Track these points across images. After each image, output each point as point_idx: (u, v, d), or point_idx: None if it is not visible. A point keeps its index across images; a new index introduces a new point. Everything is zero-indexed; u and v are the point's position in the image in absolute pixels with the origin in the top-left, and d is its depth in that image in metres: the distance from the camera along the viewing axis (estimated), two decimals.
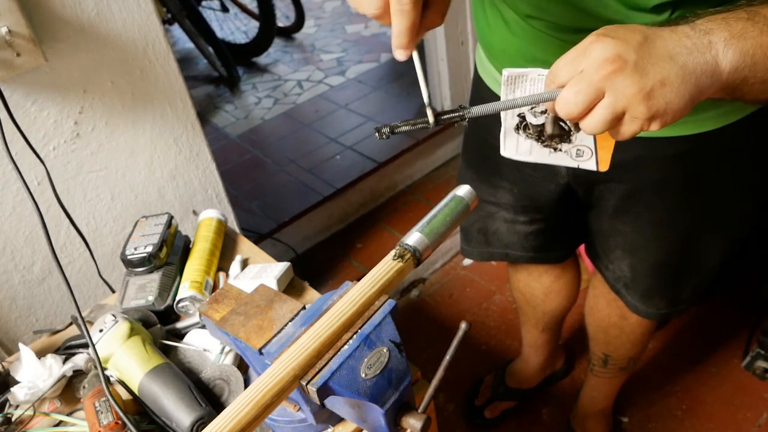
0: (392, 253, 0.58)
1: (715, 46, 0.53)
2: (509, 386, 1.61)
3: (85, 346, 0.88)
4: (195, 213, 1.40)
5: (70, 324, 0.98)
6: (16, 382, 0.84)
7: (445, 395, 1.66)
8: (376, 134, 0.57)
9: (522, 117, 0.58)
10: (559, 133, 0.59)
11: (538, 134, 0.62)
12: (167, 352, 0.88)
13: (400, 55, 0.58)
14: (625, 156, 0.88)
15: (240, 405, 0.47)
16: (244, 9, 3.54)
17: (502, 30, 0.84)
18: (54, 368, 0.84)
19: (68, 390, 0.86)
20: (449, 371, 0.55)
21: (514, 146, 0.58)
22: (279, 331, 0.66)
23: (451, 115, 0.57)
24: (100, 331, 0.82)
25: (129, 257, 0.97)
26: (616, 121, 0.53)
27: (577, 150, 0.58)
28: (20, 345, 0.87)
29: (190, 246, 1.06)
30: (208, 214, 1.10)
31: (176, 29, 3.48)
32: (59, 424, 0.81)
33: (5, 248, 1.16)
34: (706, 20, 0.54)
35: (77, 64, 1.11)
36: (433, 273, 2.03)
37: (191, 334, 0.91)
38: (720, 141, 0.83)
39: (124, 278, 0.99)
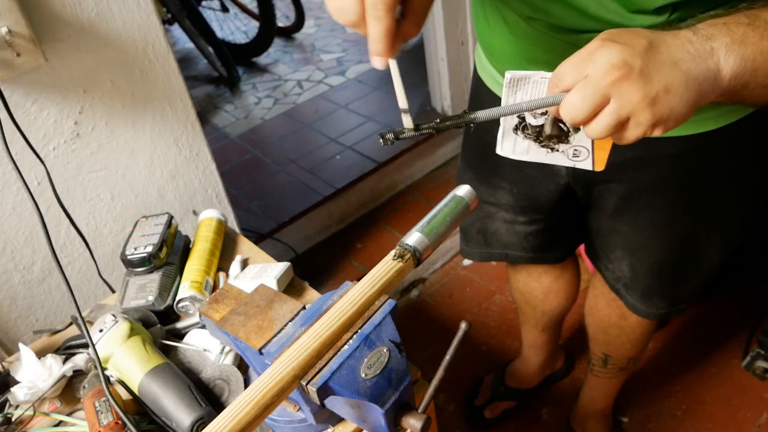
0: (392, 253, 0.58)
1: (717, 52, 0.53)
2: (509, 386, 1.61)
3: (85, 346, 0.88)
4: (195, 213, 1.40)
5: (70, 324, 0.98)
6: (16, 382, 0.84)
7: (445, 395, 1.66)
8: (381, 140, 0.56)
9: (522, 118, 0.58)
10: (558, 134, 0.59)
11: (537, 135, 0.62)
12: (167, 352, 0.88)
13: (377, 63, 0.57)
14: (624, 156, 0.88)
15: (240, 405, 0.47)
16: (244, 9, 3.54)
17: (502, 30, 0.84)
18: (54, 368, 0.84)
19: (68, 390, 0.86)
20: (449, 371, 0.55)
21: (512, 146, 0.58)
22: (279, 331, 0.66)
23: (456, 121, 0.57)
24: (100, 331, 0.82)
25: (129, 257, 0.97)
26: (620, 126, 0.54)
27: (574, 150, 0.58)
28: (20, 345, 0.87)
29: (190, 246, 1.06)
30: (208, 214, 1.10)
31: (176, 29, 3.49)
32: (59, 424, 0.81)
33: (5, 248, 1.17)
34: (708, 24, 0.54)
35: (77, 64, 1.11)
36: (433, 273, 2.03)
37: (191, 334, 0.91)
38: (720, 141, 0.83)
39: (124, 278, 0.99)
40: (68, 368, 0.84)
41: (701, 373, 1.62)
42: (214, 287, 1.00)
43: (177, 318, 0.97)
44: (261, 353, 0.64)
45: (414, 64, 2.89)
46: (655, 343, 1.69)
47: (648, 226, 0.96)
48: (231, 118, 3.07)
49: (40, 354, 0.87)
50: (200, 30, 3.17)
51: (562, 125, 0.60)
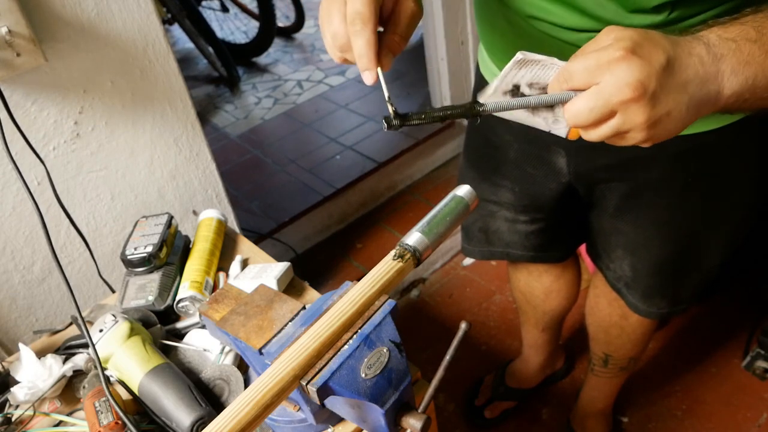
0: (392, 253, 0.58)
1: (723, 74, 0.54)
2: (509, 386, 1.61)
3: (85, 346, 0.88)
4: (195, 213, 1.40)
5: (70, 324, 0.98)
6: (16, 382, 0.84)
7: (445, 395, 1.66)
8: (385, 126, 0.56)
9: (516, 87, 0.58)
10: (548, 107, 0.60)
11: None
12: (167, 352, 0.88)
13: (367, 79, 0.59)
14: (626, 155, 0.88)
15: (240, 405, 0.47)
16: (244, 9, 3.54)
17: (503, 29, 0.84)
18: (54, 368, 0.84)
19: (68, 390, 0.86)
20: (449, 371, 0.55)
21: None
22: (279, 331, 0.66)
23: (462, 110, 0.57)
24: (100, 331, 0.82)
25: (129, 257, 0.97)
26: (616, 137, 0.55)
27: (556, 119, 0.58)
28: (20, 345, 0.87)
29: (190, 246, 1.06)
30: (208, 214, 1.10)
31: (176, 29, 3.49)
32: (59, 424, 0.81)
33: (5, 248, 1.16)
34: (719, 39, 0.54)
35: (77, 64, 1.11)
36: (433, 273, 2.03)
37: (191, 334, 0.91)
38: (721, 140, 0.83)
39: (124, 278, 0.99)
40: (68, 368, 0.84)
41: (701, 373, 1.62)
42: (214, 287, 1.00)
43: (177, 318, 0.97)
44: (261, 353, 0.64)
45: (414, 64, 2.90)
46: (655, 343, 1.69)
47: (649, 225, 0.96)
48: (231, 118, 3.07)
49: (40, 354, 0.87)
50: (200, 30, 3.17)
51: None
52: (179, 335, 0.93)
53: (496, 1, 0.83)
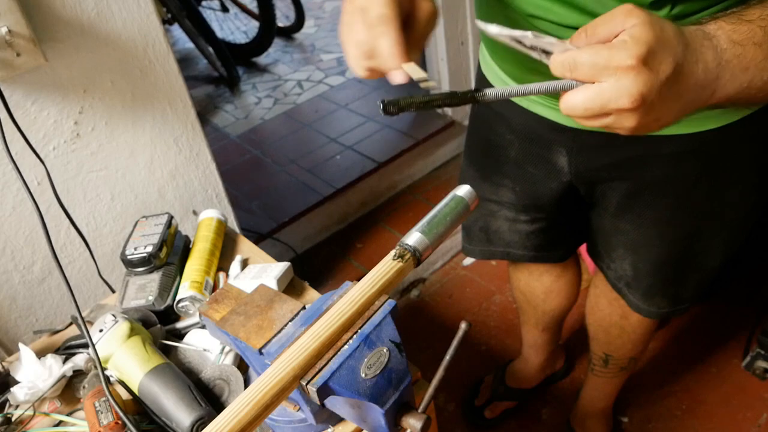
0: (392, 253, 0.58)
1: (721, 80, 0.54)
2: (509, 386, 1.61)
3: (85, 346, 0.88)
4: (195, 213, 1.40)
5: (70, 324, 0.98)
6: (16, 382, 0.84)
7: (445, 395, 1.66)
8: (381, 110, 0.55)
9: (518, 42, 0.57)
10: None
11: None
12: (167, 352, 0.88)
13: (397, 78, 0.59)
14: (627, 154, 0.88)
15: (240, 405, 0.47)
16: (244, 9, 3.54)
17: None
18: (54, 368, 0.84)
19: (68, 390, 0.86)
20: (449, 371, 0.55)
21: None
22: (279, 331, 0.66)
23: (464, 97, 0.57)
24: (100, 331, 0.82)
25: (129, 257, 0.97)
26: (601, 127, 0.55)
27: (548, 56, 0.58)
28: (20, 345, 0.87)
29: (190, 246, 1.06)
30: (208, 214, 1.10)
31: (176, 29, 3.48)
32: (59, 424, 0.81)
33: (5, 248, 1.16)
34: (728, 44, 0.53)
35: (77, 64, 1.11)
36: (433, 273, 2.03)
37: (191, 334, 0.91)
38: (722, 139, 0.83)
39: (124, 278, 0.99)
40: (68, 368, 0.84)
41: (701, 373, 1.62)
42: (214, 287, 1.00)
43: (177, 318, 0.97)
44: (261, 353, 0.64)
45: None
46: (655, 343, 1.69)
47: (650, 224, 0.96)
48: (231, 118, 3.07)
49: (40, 354, 0.87)
50: (200, 30, 3.17)
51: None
52: (179, 335, 0.93)
53: (497, 0, 0.83)
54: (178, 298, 0.95)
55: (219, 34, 3.38)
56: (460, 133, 2.51)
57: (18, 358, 0.87)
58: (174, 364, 0.81)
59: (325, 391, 0.53)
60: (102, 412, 0.73)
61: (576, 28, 0.73)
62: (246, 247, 1.10)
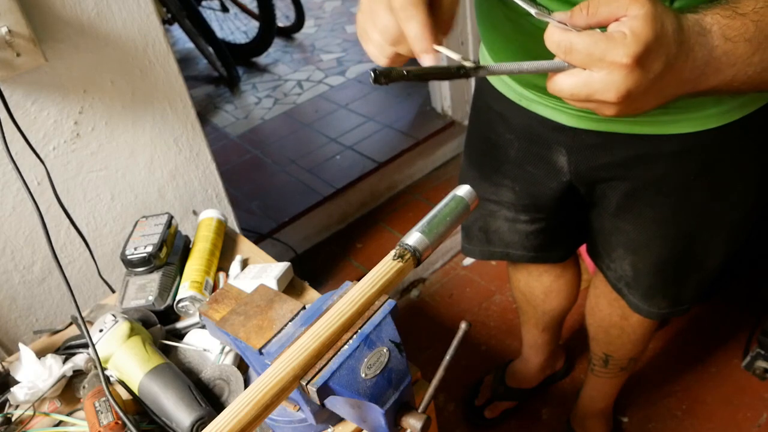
0: (392, 253, 0.58)
1: (705, 75, 0.54)
2: (509, 386, 1.61)
3: (85, 346, 0.88)
4: (195, 213, 1.40)
5: (70, 324, 0.98)
6: (16, 382, 0.84)
7: (445, 395, 1.66)
8: (372, 79, 0.54)
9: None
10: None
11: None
12: (167, 352, 0.88)
13: (427, 60, 0.59)
14: (627, 154, 0.88)
15: (240, 405, 0.47)
16: (244, 9, 3.54)
17: (503, 27, 0.84)
18: (54, 368, 0.84)
19: (68, 390, 0.86)
20: (449, 371, 0.55)
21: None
22: (279, 331, 0.66)
23: (453, 71, 0.57)
24: (100, 331, 0.82)
25: (129, 257, 0.97)
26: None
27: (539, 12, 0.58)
28: (20, 345, 0.87)
29: (190, 246, 1.06)
30: (208, 214, 1.10)
31: (176, 29, 3.48)
32: (59, 424, 0.81)
33: (5, 248, 1.16)
34: (721, 40, 0.53)
35: (77, 64, 1.11)
36: (433, 273, 2.03)
37: (191, 334, 0.91)
38: (722, 139, 0.83)
39: (124, 278, 0.99)
40: (68, 368, 0.84)
41: (701, 373, 1.62)
42: (214, 287, 1.00)
43: (177, 318, 0.97)
44: (261, 353, 0.64)
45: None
46: (655, 343, 1.69)
47: (650, 224, 0.96)
48: (231, 118, 3.07)
49: (40, 354, 0.87)
50: (200, 30, 3.17)
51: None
52: (179, 335, 0.93)
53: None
54: (178, 298, 0.95)
55: (219, 34, 3.38)
56: (460, 133, 2.51)
57: (18, 358, 0.87)
58: (174, 364, 0.81)
59: (325, 391, 0.53)
60: (102, 412, 0.73)
61: None
62: (246, 247, 1.10)
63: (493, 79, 0.99)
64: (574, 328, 1.73)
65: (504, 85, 0.97)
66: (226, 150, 2.80)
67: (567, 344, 1.71)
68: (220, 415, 0.47)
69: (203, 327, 0.91)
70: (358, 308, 0.56)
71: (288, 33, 3.75)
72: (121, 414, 0.72)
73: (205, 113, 3.10)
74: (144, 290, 0.96)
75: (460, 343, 0.55)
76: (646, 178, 0.90)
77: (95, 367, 0.82)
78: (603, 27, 0.53)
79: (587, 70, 0.52)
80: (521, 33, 0.81)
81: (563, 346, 1.67)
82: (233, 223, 1.50)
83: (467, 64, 0.56)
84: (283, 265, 0.98)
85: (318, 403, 0.54)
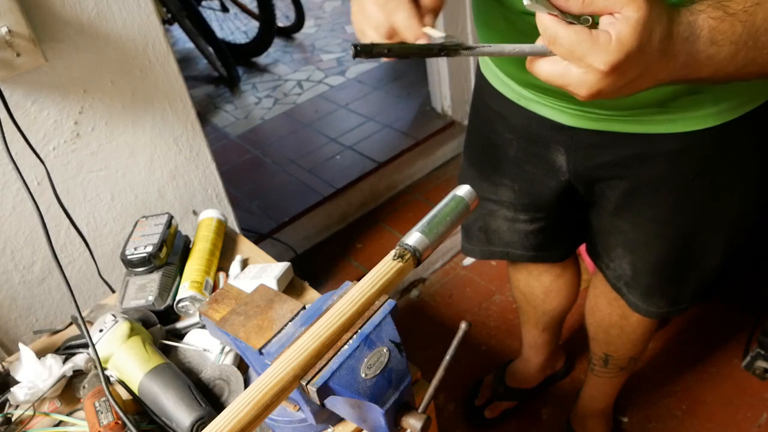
0: (392, 253, 0.58)
1: (683, 75, 0.55)
2: (509, 386, 1.61)
3: (85, 346, 0.88)
4: (195, 213, 1.40)
5: (70, 324, 0.98)
6: (16, 382, 0.84)
7: (445, 395, 1.66)
8: (353, 54, 0.53)
9: None
10: None
11: None
12: (167, 352, 0.88)
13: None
14: (626, 153, 0.88)
15: (240, 405, 0.47)
16: (244, 9, 3.54)
17: (500, 26, 0.84)
18: (54, 368, 0.84)
19: (68, 390, 0.86)
20: (449, 371, 0.55)
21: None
22: (279, 331, 0.66)
23: (435, 49, 0.57)
24: (100, 331, 0.82)
25: (129, 257, 0.97)
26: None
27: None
28: (20, 345, 0.87)
29: (190, 246, 1.06)
30: (208, 214, 1.10)
31: (176, 29, 3.48)
32: (59, 424, 0.81)
33: (5, 248, 1.16)
34: (708, 44, 0.53)
35: (77, 64, 1.11)
36: (433, 273, 2.03)
37: (191, 334, 0.91)
38: (721, 138, 0.83)
39: (124, 278, 0.99)
40: (68, 368, 0.84)
41: (701, 373, 1.62)
42: (214, 287, 1.00)
43: (177, 318, 0.97)
44: (261, 353, 0.64)
45: (414, 64, 2.89)
46: (655, 343, 1.69)
47: (649, 223, 0.96)
48: (231, 118, 3.07)
49: (40, 354, 0.87)
50: (200, 30, 3.17)
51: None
52: (179, 335, 0.93)
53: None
54: (178, 298, 0.95)
55: (219, 34, 3.38)
56: (460, 133, 2.51)
57: (18, 358, 0.87)
58: (174, 364, 0.82)
59: (325, 391, 0.53)
60: (102, 412, 0.73)
61: None
62: (246, 247, 1.10)
63: (492, 79, 0.99)
64: (574, 328, 1.73)
65: (503, 84, 0.97)
66: (226, 150, 2.80)
67: (567, 344, 1.70)
68: (220, 415, 0.47)
69: (203, 327, 0.91)
70: (358, 308, 0.57)
71: (288, 33, 3.75)
72: (121, 414, 0.72)
73: (205, 113, 3.10)
74: (144, 290, 0.96)
75: (460, 343, 0.55)
76: (644, 177, 0.90)
77: (95, 367, 0.82)
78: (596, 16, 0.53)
79: (566, 62, 0.53)
80: (517, 32, 0.81)
81: (563, 346, 1.67)
82: (233, 223, 1.50)
83: (447, 42, 0.56)
84: (283, 265, 0.98)
85: (318, 403, 0.54)
